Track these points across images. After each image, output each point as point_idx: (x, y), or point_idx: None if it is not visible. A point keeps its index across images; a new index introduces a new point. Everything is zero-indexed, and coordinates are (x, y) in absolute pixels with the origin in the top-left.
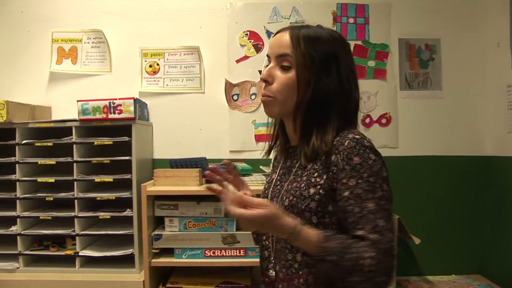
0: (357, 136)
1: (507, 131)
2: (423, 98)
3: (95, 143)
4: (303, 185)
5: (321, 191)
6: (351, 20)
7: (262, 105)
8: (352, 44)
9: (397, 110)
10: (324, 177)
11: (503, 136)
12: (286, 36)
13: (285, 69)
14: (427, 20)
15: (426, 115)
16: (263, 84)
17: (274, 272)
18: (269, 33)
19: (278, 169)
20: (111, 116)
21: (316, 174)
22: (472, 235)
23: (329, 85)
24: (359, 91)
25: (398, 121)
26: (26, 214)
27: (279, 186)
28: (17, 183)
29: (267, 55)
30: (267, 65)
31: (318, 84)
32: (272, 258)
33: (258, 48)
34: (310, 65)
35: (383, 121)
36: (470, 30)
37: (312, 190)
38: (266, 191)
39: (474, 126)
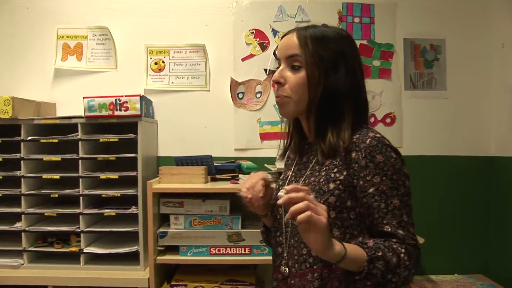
0: (378, 135)
1: (511, 131)
2: (427, 98)
3: (101, 140)
4: (322, 179)
5: (340, 186)
6: (357, 20)
7: (266, 104)
8: (357, 43)
9: (401, 109)
10: (344, 173)
11: (507, 136)
12: (293, 38)
13: (295, 69)
14: (432, 20)
15: (431, 115)
16: (275, 87)
17: (287, 269)
18: (274, 32)
19: (293, 166)
20: (117, 113)
21: (335, 170)
22: (475, 235)
23: (338, 82)
24: (365, 88)
25: (402, 121)
26: (31, 210)
27: (294, 182)
28: (22, 179)
29: (276, 58)
30: (277, 68)
31: (327, 81)
32: (285, 254)
33: (263, 47)
34: (319, 63)
35: (388, 120)
36: (474, 30)
37: (331, 185)
38: (281, 188)
39: (478, 126)
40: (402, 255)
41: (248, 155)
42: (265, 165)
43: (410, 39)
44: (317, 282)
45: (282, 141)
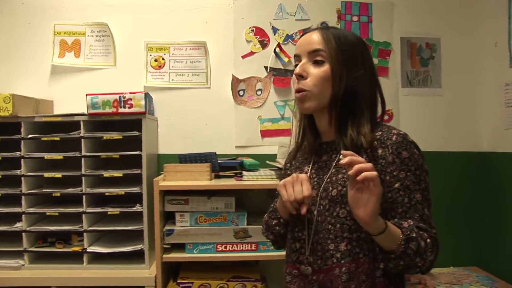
0: (401, 132)
1: (504, 128)
2: (423, 95)
3: (104, 137)
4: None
5: None
6: (355, 18)
7: (266, 101)
8: None
9: (398, 106)
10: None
11: (500, 132)
12: (316, 35)
13: (318, 63)
14: (427, 19)
15: (426, 112)
16: (295, 82)
17: (309, 267)
18: (274, 30)
19: (311, 164)
20: (121, 110)
21: (367, 152)
22: (469, 229)
23: (359, 79)
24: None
25: (399, 118)
26: (32, 210)
27: (316, 179)
28: (22, 178)
29: (295, 56)
30: (296, 64)
31: (350, 78)
32: (305, 251)
33: (264, 44)
34: (342, 59)
35: (385, 117)
36: (469, 30)
37: None
38: None
39: (472, 123)
40: (428, 240)
41: (249, 152)
42: (267, 161)
43: (406, 38)
44: (344, 276)
45: (292, 139)
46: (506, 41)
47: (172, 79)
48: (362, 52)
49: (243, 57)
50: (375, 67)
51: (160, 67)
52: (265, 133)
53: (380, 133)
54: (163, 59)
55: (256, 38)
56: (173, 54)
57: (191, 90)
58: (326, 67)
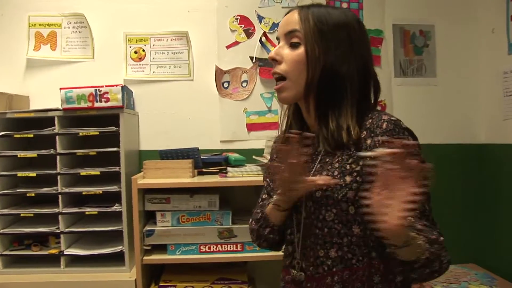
0: (393, 118)
1: (502, 118)
2: (417, 85)
3: (80, 133)
4: (336, 173)
5: (358, 178)
6: (345, 5)
7: (252, 93)
8: None
9: (391, 97)
10: (361, 162)
11: (498, 123)
12: (294, 14)
13: (294, 46)
14: (421, 5)
15: (421, 102)
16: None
17: (302, 273)
18: (260, 18)
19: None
20: (97, 104)
21: (350, 160)
22: (466, 224)
23: (340, 61)
24: (375, 71)
25: (392, 108)
26: (5, 211)
27: None
28: None
29: (277, 38)
30: None
31: (328, 59)
32: (297, 256)
33: (249, 34)
34: (319, 39)
35: (378, 108)
36: (464, 15)
37: (348, 178)
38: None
39: (469, 114)
40: (441, 238)
41: (235, 147)
42: (254, 157)
43: (399, 25)
44: (337, 285)
45: (279, 130)
46: (503, 27)
47: (153, 72)
48: (349, 29)
49: (228, 47)
50: (368, 46)
51: (140, 59)
52: (251, 127)
53: (370, 121)
54: (143, 50)
55: (241, 27)
56: (153, 45)
57: (173, 83)
58: (301, 50)
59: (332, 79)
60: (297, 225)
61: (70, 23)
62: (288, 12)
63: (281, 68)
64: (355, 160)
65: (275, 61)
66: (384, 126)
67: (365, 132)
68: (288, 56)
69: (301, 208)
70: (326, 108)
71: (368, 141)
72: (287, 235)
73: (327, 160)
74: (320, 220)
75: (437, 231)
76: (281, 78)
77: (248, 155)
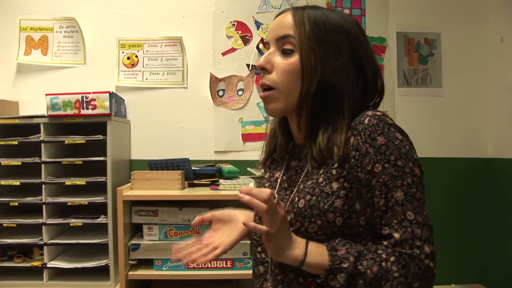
0: (378, 113)
1: (511, 132)
2: (422, 95)
3: (66, 142)
4: (321, 179)
5: (345, 184)
6: (347, 12)
7: (248, 102)
8: None
9: (394, 108)
10: (346, 166)
11: (506, 137)
12: (288, 17)
13: (286, 53)
14: (426, 12)
15: (425, 114)
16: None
17: None
18: (258, 24)
19: (283, 169)
20: (83, 112)
21: (337, 165)
22: (472, 242)
23: (339, 71)
24: (381, 77)
25: (395, 120)
26: None
27: (288, 190)
28: None
29: (266, 42)
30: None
31: (326, 70)
32: (268, 276)
33: (246, 40)
34: (317, 47)
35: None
36: (471, 23)
37: (335, 185)
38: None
39: (476, 126)
40: (385, 264)
41: (229, 158)
42: (248, 169)
43: (403, 33)
44: None
45: (264, 143)
46: None
47: (146, 78)
48: (348, 32)
49: (223, 54)
50: (370, 53)
51: (133, 65)
52: (247, 137)
53: (356, 119)
54: (136, 56)
55: (237, 33)
56: (147, 51)
57: (167, 90)
58: (295, 58)
59: (330, 92)
60: None
61: (62, 27)
62: (280, 14)
63: (270, 79)
64: (340, 164)
65: (264, 70)
66: (366, 121)
67: (349, 132)
68: (280, 65)
69: None
70: (319, 123)
71: (352, 140)
72: (256, 253)
73: (314, 171)
74: (301, 232)
75: (398, 253)
76: (269, 89)
77: (243, 167)
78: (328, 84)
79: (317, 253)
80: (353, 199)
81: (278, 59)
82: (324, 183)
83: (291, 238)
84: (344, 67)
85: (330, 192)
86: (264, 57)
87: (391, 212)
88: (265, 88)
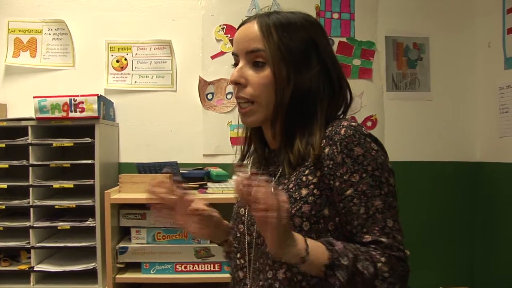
0: (353, 124)
1: (499, 136)
2: (410, 100)
3: (54, 144)
4: (292, 185)
5: (315, 191)
6: (336, 16)
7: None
8: (336, 41)
9: (383, 112)
10: (318, 174)
11: (494, 141)
12: (254, 27)
13: (258, 66)
14: (415, 17)
15: (414, 118)
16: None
17: None
18: None
19: (259, 175)
20: (72, 114)
21: (307, 172)
22: (461, 245)
23: (312, 78)
24: (346, 80)
25: (384, 124)
26: None
27: None
28: None
29: (232, 54)
30: (235, 64)
31: (298, 79)
32: (247, 281)
33: None
34: (288, 58)
35: (369, 124)
36: (460, 28)
37: (304, 191)
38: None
39: (464, 130)
40: (380, 264)
41: (218, 161)
42: (237, 172)
43: (392, 37)
44: None
45: (241, 147)
46: (500, 41)
47: (135, 81)
48: (315, 39)
49: (213, 57)
50: (333, 54)
51: (122, 68)
52: (235, 141)
53: (330, 128)
54: (125, 59)
55: (227, 36)
56: (136, 54)
57: (156, 93)
58: (267, 72)
59: (303, 99)
60: (249, 247)
61: (51, 29)
62: (244, 23)
63: (247, 92)
64: (312, 171)
65: (238, 85)
66: (342, 132)
67: (324, 140)
68: (254, 78)
69: (252, 227)
70: (295, 130)
71: (327, 150)
72: (236, 260)
73: (286, 176)
74: None
75: (390, 253)
76: (247, 102)
77: (232, 170)
78: (301, 92)
79: (315, 247)
80: (321, 205)
81: (251, 73)
82: (293, 189)
83: (291, 233)
84: (314, 73)
85: (298, 198)
86: (236, 71)
87: (372, 219)
88: (243, 101)
